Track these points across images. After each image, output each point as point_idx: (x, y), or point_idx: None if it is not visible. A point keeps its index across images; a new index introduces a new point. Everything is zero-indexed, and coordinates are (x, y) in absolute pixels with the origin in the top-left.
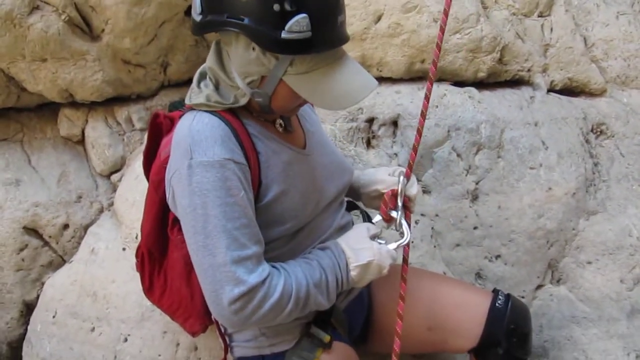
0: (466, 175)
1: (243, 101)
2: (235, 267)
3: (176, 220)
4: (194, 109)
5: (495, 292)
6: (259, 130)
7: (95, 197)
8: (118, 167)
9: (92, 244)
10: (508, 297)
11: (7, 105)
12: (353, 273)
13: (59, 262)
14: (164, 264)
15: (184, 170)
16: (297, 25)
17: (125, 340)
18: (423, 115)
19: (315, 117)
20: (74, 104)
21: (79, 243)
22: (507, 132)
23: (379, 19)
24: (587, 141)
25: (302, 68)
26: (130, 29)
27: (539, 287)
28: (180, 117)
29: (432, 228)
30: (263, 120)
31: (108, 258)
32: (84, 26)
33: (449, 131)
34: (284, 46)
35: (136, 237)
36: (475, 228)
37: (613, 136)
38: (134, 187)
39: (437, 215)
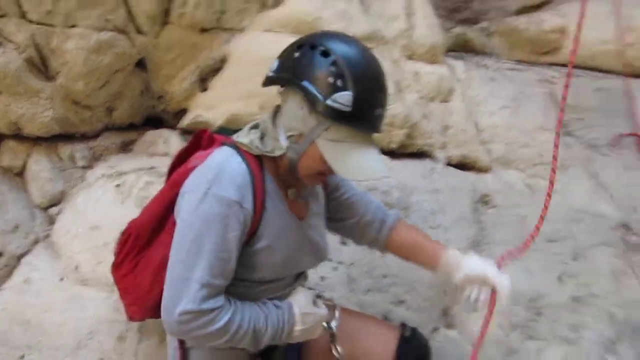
0: None
1: (278, 152)
2: (199, 288)
3: (174, 223)
4: (233, 146)
5: (403, 325)
6: (275, 191)
7: (31, 228)
8: (56, 201)
9: (26, 273)
10: (414, 329)
11: None
12: (296, 334)
13: None
14: (143, 253)
15: (199, 192)
16: (341, 98)
17: None
18: None
19: (322, 202)
20: (18, 137)
21: (11, 272)
22: (413, 196)
23: None
24: (475, 209)
25: (334, 136)
26: (85, 74)
27: (435, 329)
28: (220, 144)
29: (348, 275)
30: (282, 183)
31: (43, 288)
32: (41, 66)
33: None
34: (326, 111)
35: (76, 268)
36: (384, 276)
37: (496, 206)
38: (76, 220)
39: (352, 263)
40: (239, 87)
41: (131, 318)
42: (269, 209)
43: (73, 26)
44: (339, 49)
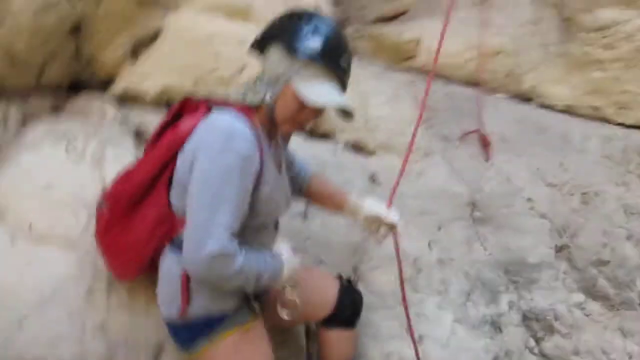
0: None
1: (257, 99)
2: (224, 230)
3: (170, 182)
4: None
5: (340, 276)
6: (266, 143)
7: None
8: None
9: None
10: (349, 280)
11: None
12: (283, 279)
13: None
14: (134, 214)
15: (216, 148)
16: (313, 43)
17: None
18: None
19: (291, 160)
20: None
21: None
22: (326, 169)
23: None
24: (369, 185)
25: (306, 74)
26: (29, 31)
27: None
28: (207, 108)
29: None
30: (267, 135)
31: None
32: None
33: None
34: (300, 53)
35: (29, 228)
36: (307, 239)
37: (381, 184)
38: (22, 180)
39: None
40: (173, 61)
41: (121, 278)
42: (266, 160)
43: None
44: (313, 16)
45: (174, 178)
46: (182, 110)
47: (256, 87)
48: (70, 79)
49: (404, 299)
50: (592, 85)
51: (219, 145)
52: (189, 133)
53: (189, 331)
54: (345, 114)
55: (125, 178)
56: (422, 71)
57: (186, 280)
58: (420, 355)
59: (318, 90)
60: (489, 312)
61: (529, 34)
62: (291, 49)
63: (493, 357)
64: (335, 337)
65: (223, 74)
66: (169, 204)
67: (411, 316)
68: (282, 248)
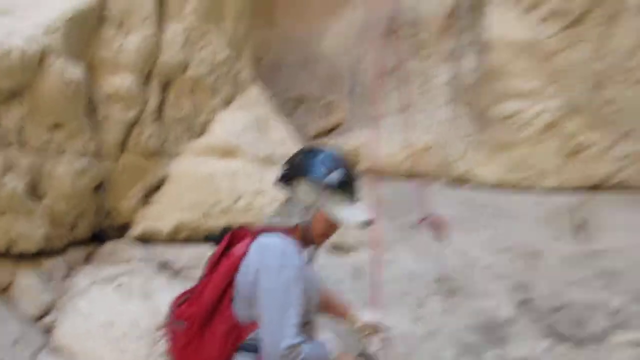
0: None
1: (294, 223)
2: (294, 328)
3: (230, 300)
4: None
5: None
6: (302, 254)
7: (30, 339)
8: (48, 311)
9: None
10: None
11: None
12: None
13: None
14: (205, 330)
15: (276, 265)
16: (333, 177)
17: None
18: None
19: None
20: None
21: None
22: None
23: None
24: None
25: (333, 201)
26: (69, 195)
27: None
28: (253, 235)
29: None
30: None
31: None
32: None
33: None
34: (326, 187)
35: None
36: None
37: None
38: (82, 323)
39: None
40: (181, 201)
41: None
42: (304, 268)
43: (63, 152)
44: (327, 151)
45: (235, 295)
46: (232, 239)
47: (288, 212)
48: (93, 230)
49: None
50: (511, 162)
51: (277, 262)
52: (241, 257)
53: None
54: (365, 223)
55: (193, 302)
56: (368, 174)
57: None
58: None
59: (346, 213)
60: None
61: (451, 129)
62: (317, 183)
63: None
64: None
65: (224, 205)
66: (234, 317)
67: None
68: (327, 337)
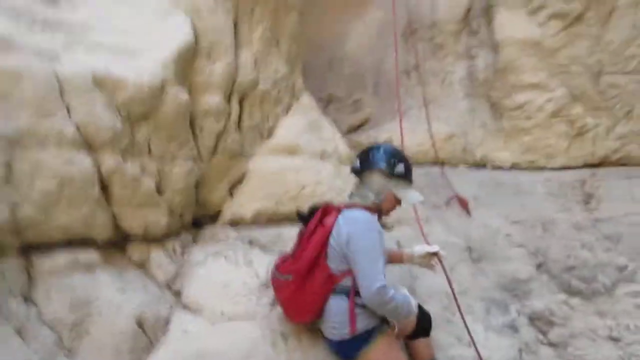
0: None
1: (370, 201)
2: (381, 273)
3: (326, 257)
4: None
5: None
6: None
7: (166, 299)
8: (174, 280)
9: (181, 326)
10: (419, 305)
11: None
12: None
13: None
14: (307, 280)
15: (364, 230)
16: (399, 168)
17: None
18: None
19: None
20: (138, 239)
21: (165, 329)
22: None
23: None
24: None
25: (399, 186)
26: (182, 190)
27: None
28: (338, 209)
29: None
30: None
31: (202, 331)
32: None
33: None
34: (394, 176)
35: (221, 314)
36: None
37: None
38: (205, 286)
39: None
40: (258, 192)
41: (299, 322)
42: (381, 232)
43: (176, 158)
44: (388, 147)
45: (329, 253)
46: (323, 213)
47: (364, 194)
48: (193, 219)
49: (459, 308)
50: (524, 146)
51: (365, 227)
52: (332, 226)
53: (355, 341)
54: (421, 202)
55: (296, 260)
56: None
57: (352, 310)
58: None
59: (409, 195)
60: (506, 320)
61: (470, 119)
62: (388, 173)
63: (517, 349)
64: (423, 344)
65: (292, 194)
66: (329, 269)
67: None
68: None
